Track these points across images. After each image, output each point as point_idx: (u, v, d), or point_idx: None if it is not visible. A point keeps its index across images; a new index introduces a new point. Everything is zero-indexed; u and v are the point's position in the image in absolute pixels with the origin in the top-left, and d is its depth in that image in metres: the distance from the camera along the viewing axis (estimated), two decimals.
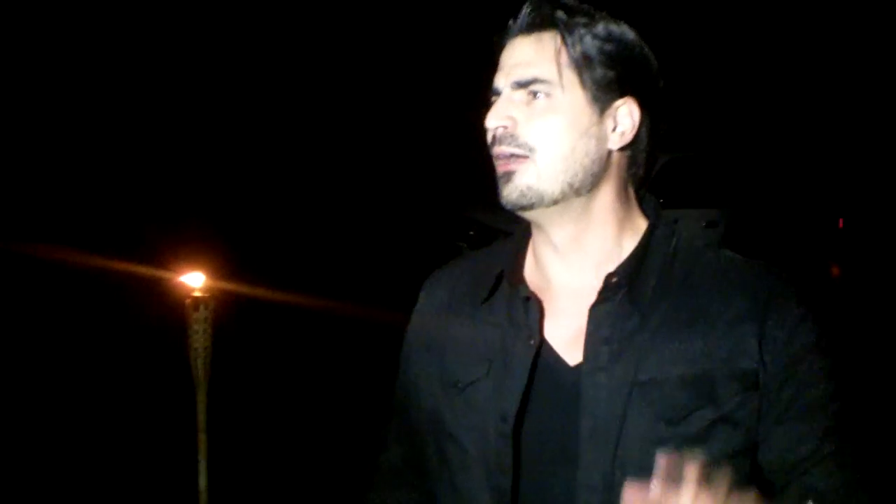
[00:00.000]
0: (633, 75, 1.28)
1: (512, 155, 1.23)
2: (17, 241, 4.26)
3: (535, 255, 1.35)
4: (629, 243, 1.30)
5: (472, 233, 7.84)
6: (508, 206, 1.25)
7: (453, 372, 1.32)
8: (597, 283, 1.26)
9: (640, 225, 1.33)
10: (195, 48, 4.60)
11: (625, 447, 1.20)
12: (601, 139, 1.27)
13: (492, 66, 1.31)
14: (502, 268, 1.35)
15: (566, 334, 1.27)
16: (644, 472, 1.13)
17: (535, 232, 1.33)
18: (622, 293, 1.25)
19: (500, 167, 1.24)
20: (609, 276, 1.26)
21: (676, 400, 1.20)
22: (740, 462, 1.22)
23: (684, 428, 1.20)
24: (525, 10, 1.26)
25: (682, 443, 1.18)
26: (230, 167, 5.21)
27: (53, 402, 4.75)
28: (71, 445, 4.49)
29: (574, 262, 1.30)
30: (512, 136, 1.23)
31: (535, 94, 1.23)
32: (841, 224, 10.03)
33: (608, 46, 1.25)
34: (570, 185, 1.25)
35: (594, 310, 1.25)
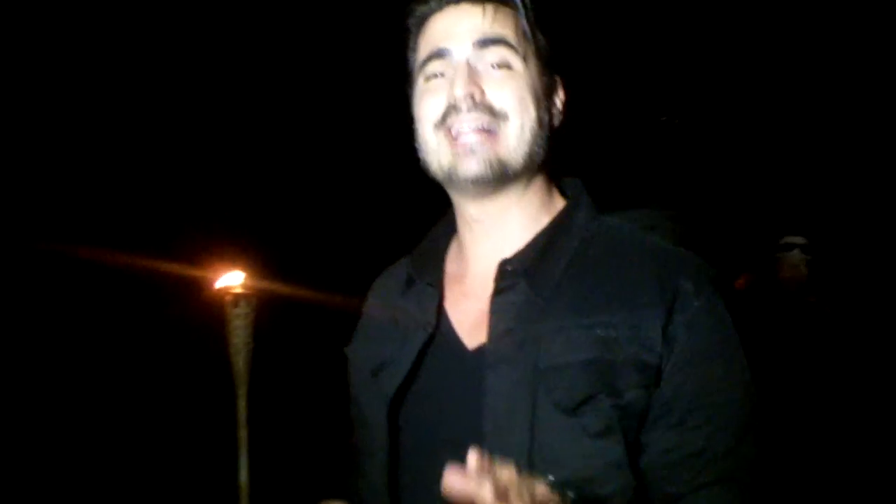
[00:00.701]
0: (562, 53, 1.27)
1: (481, 127, 1.19)
2: (55, 241, 4.34)
3: (457, 239, 1.36)
4: (545, 220, 1.28)
5: None
6: (467, 181, 1.20)
7: (371, 359, 1.34)
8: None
9: (558, 206, 1.31)
10: (234, 47, 4.65)
11: (527, 441, 1.16)
12: (551, 114, 1.26)
13: (404, 34, 1.28)
14: (421, 257, 1.36)
15: (470, 318, 1.27)
16: (544, 466, 1.13)
17: (457, 212, 1.31)
18: (522, 281, 1.22)
19: (465, 138, 1.19)
20: (503, 264, 1.24)
21: (575, 386, 1.16)
22: (635, 465, 1.17)
23: (583, 418, 1.15)
24: None
25: (583, 436, 1.15)
26: (273, 164, 5.24)
27: (93, 399, 4.83)
28: (112, 442, 4.57)
29: (491, 243, 1.28)
30: (481, 103, 1.18)
31: (499, 63, 1.20)
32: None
33: (547, 22, 1.24)
34: (531, 160, 1.23)
35: (494, 300, 1.22)
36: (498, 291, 1.23)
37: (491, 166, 1.18)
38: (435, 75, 1.22)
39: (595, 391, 1.16)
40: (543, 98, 1.23)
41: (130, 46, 4.22)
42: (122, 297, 5.08)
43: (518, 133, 1.18)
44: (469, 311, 1.27)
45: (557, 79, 1.29)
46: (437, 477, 1.14)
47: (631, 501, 1.16)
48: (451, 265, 1.34)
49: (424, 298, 1.29)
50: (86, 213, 4.83)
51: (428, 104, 1.21)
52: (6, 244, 4.38)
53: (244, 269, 2.91)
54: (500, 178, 1.19)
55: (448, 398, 1.23)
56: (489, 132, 1.18)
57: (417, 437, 1.24)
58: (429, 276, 1.30)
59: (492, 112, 1.17)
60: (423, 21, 1.26)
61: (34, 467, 4.17)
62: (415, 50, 1.27)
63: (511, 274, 1.22)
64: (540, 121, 1.21)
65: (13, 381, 4.34)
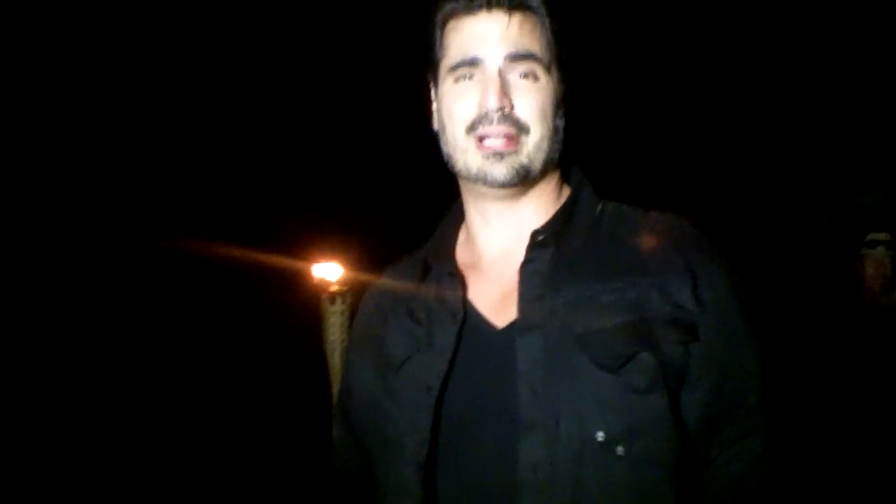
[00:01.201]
0: (579, 58, 1.35)
1: (506, 135, 1.24)
2: (153, 234, 4.42)
3: (467, 231, 1.38)
4: (555, 207, 1.34)
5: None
6: (495, 185, 1.26)
7: (390, 354, 1.33)
8: (525, 246, 1.28)
9: (565, 192, 1.37)
10: (311, 39, 4.65)
11: (568, 403, 1.17)
12: (565, 118, 1.32)
13: (428, 28, 1.32)
14: (431, 250, 1.38)
15: (495, 300, 1.28)
16: (591, 426, 1.15)
17: (472, 206, 1.35)
18: (550, 251, 1.27)
19: (492, 146, 1.25)
20: (535, 234, 1.28)
21: (616, 347, 1.18)
22: (678, 419, 1.20)
23: (628, 376, 1.17)
24: None
25: (629, 393, 1.16)
26: (371, 158, 5.24)
27: (188, 391, 4.92)
28: (205, 436, 4.64)
29: (506, 231, 1.32)
30: (509, 116, 1.24)
31: (526, 74, 1.25)
32: None
33: (565, 30, 1.29)
34: (549, 163, 1.29)
35: (524, 269, 1.26)
36: (528, 261, 1.27)
37: (517, 171, 1.25)
38: (465, 77, 1.28)
39: (637, 349, 1.18)
40: (561, 105, 1.32)
41: (220, 41, 4.26)
42: (222, 289, 5.16)
43: (537, 143, 1.26)
44: (491, 294, 1.30)
45: (573, 82, 1.36)
46: (477, 455, 1.20)
47: (676, 454, 1.19)
48: (462, 255, 1.37)
49: (446, 287, 1.32)
50: (189, 207, 4.92)
51: (460, 107, 1.28)
52: (118, 237, 4.50)
53: (342, 264, 2.90)
54: (523, 181, 1.27)
55: (485, 377, 1.25)
56: (513, 140, 1.25)
57: (456, 419, 1.25)
58: (446, 266, 1.34)
59: (517, 124, 1.25)
60: (450, 18, 1.30)
61: (136, 446, 4.29)
62: (441, 45, 1.32)
63: (542, 244, 1.27)
64: (556, 129, 1.29)
65: (123, 368, 4.47)
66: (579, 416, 1.16)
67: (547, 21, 1.28)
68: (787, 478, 1.26)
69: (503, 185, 1.26)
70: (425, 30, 1.32)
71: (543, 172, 1.30)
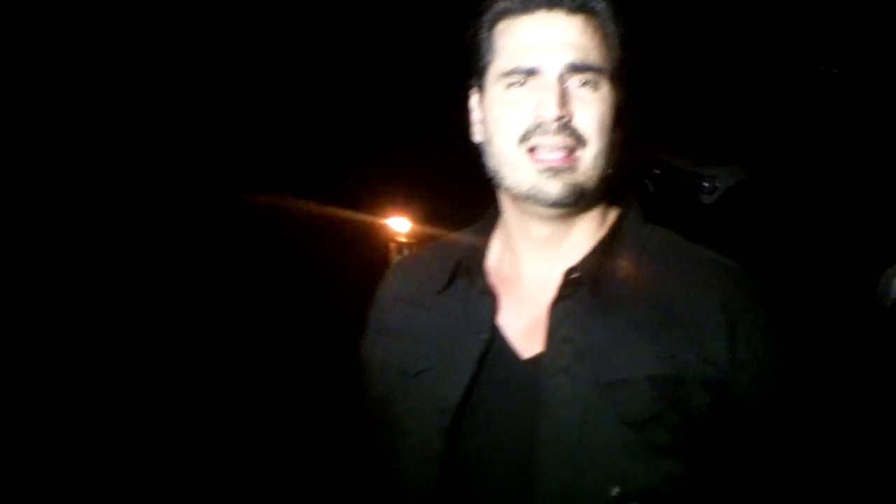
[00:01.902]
0: (644, 66, 1.25)
1: (564, 146, 1.14)
2: (226, 188, 4.51)
3: (507, 245, 1.27)
4: (601, 234, 1.23)
5: (657, 172, 7.66)
6: (547, 203, 1.16)
7: (406, 359, 1.26)
8: (560, 276, 1.18)
9: (612, 216, 1.26)
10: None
11: (587, 453, 1.12)
12: (625, 132, 1.21)
13: (482, 27, 1.21)
14: (461, 257, 1.28)
15: (523, 326, 1.20)
16: (607, 480, 1.10)
17: (515, 222, 1.25)
18: (585, 289, 1.17)
19: (550, 160, 1.15)
20: (569, 272, 1.18)
21: (643, 402, 1.11)
22: (703, 481, 1.14)
23: (651, 433, 1.11)
24: None
25: (649, 450, 1.11)
26: (439, 112, 5.27)
27: (255, 344, 5.04)
28: (272, 390, 4.77)
29: (547, 254, 1.23)
30: (568, 127, 1.14)
31: (586, 82, 1.15)
32: None
33: (631, 37, 1.19)
34: (603, 181, 1.19)
35: (555, 307, 1.17)
36: (560, 298, 1.17)
37: (572, 190, 1.14)
38: (517, 84, 1.18)
39: (664, 407, 1.11)
40: (622, 118, 1.21)
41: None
42: (293, 242, 5.27)
43: (594, 157, 1.15)
44: (521, 318, 1.21)
45: (635, 92, 1.25)
46: (490, 483, 1.15)
47: None
48: (494, 268, 1.27)
49: (475, 303, 1.24)
50: (261, 162, 5.01)
51: (512, 116, 1.17)
52: (189, 193, 4.60)
53: (410, 218, 2.93)
54: (577, 201, 1.16)
55: (502, 407, 1.18)
56: (570, 155, 1.16)
57: (470, 446, 1.19)
58: (479, 280, 1.25)
59: (576, 135, 1.14)
60: (503, 17, 1.19)
61: (209, 401, 4.43)
62: (490, 48, 1.21)
63: (575, 281, 1.18)
64: (614, 144, 1.17)
65: (192, 318, 4.58)
66: (597, 468, 1.12)
67: (610, 25, 1.18)
68: None
69: (555, 205, 1.16)
70: (471, 30, 1.22)
71: (597, 191, 1.20)
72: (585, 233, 1.22)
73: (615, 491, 1.10)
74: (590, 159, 1.14)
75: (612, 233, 1.23)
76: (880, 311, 4.51)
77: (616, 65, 1.17)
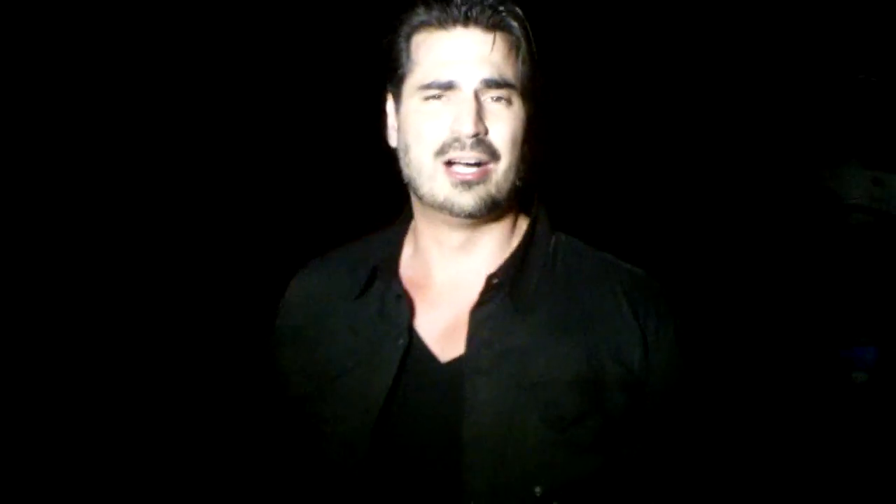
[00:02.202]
0: (555, 80, 1.32)
1: (478, 161, 1.19)
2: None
3: (416, 248, 1.31)
4: (514, 241, 1.29)
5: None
6: (461, 215, 1.21)
7: (323, 363, 1.29)
8: (478, 282, 1.23)
9: (523, 223, 1.31)
10: None
11: (511, 453, 1.17)
12: (537, 144, 1.27)
13: (391, 41, 1.24)
14: (377, 262, 1.31)
15: (440, 329, 1.24)
16: (531, 479, 1.16)
17: (427, 228, 1.29)
18: (503, 294, 1.22)
19: (465, 174, 1.19)
20: (490, 277, 1.23)
21: (565, 404, 1.17)
22: (621, 475, 1.21)
23: (573, 434, 1.17)
24: (475, 4, 1.20)
25: (571, 450, 1.17)
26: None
27: (254, 344, 4.83)
28: None
29: (461, 261, 1.27)
30: (483, 142, 1.19)
31: (500, 98, 1.20)
32: None
33: (541, 54, 1.24)
34: (515, 192, 1.24)
35: (475, 312, 1.22)
36: (481, 303, 1.22)
37: (484, 202, 1.20)
38: (435, 97, 1.21)
39: (586, 409, 1.18)
40: (533, 131, 1.26)
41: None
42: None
43: (506, 170, 1.20)
44: (437, 321, 1.25)
45: (544, 109, 1.31)
46: (417, 482, 1.18)
47: None
48: (408, 271, 1.30)
49: (392, 308, 1.26)
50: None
51: (429, 129, 1.20)
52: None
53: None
54: (489, 211, 1.22)
55: (425, 409, 1.22)
56: (483, 169, 1.20)
57: (395, 446, 1.22)
58: (395, 284, 1.28)
59: (490, 150, 1.19)
60: (421, 29, 1.22)
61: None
62: (408, 59, 1.24)
63: (496, 287, 1.23)
64: (525, 157, 1.23)
65: (192, 318, 4.41)
66: (522, 468, 1.16)
67: (523, 44, 1.21)
68: None
69: (469, 216, 1.20)
70: (388, 39, 1.25)
71: (508, 202, 1.24)
72: (497, 239, 1.27)
73: (538, 490, 1.15)
74: (502, 172, 1.19)
75: (527, 240, 1.27)
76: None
77: (528, 81, 1.21)
